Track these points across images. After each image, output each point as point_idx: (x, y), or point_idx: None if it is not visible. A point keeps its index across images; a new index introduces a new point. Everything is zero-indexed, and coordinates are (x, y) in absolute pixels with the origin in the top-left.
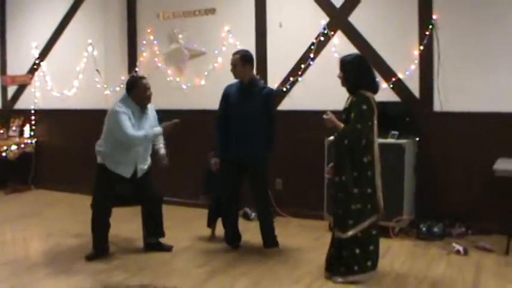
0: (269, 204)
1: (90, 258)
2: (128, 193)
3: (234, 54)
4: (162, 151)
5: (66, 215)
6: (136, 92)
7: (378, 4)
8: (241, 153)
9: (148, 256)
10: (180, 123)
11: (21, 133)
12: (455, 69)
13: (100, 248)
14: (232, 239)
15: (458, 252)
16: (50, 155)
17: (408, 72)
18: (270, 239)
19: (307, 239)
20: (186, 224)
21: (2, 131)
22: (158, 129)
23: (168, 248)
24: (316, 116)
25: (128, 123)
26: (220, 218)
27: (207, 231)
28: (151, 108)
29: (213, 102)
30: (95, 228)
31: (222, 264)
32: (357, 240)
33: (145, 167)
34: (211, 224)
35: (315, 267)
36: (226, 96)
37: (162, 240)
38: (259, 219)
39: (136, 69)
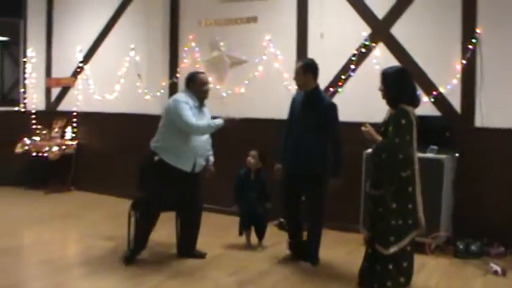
0: (318, 221)
1: (128, 260)
2: (174, 198)
3: (297, 62)
4: (212, 159)
5: (102, 218)
6: (195, 85)
7: (421, 16)
8: (293, 165)
9: (181, 262)
10: (239, 121)
11: (63, 134)
12: (498, 85)
13: (139, 250)
14: (296, 249)
15: (496, 272)
16: (89, 157)
17: (450, 86)
18: (308, 254)
19: (341, 252)
20: (220, 232)
21: (44, 132)
22: (220, 120)
23: (201, 255)
24: (355, 128)
25: (190, 113)
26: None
27: (241, 240)
28: (207, 110)
29: (252, 111)
30: (141, 229)
31: (254, 274)
32: (392, 256)
33: (204, 162)
34: (242, 232)
35: (347, 281)
36: (292, 104)
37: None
38: (307, 233)
39: (177, 75)
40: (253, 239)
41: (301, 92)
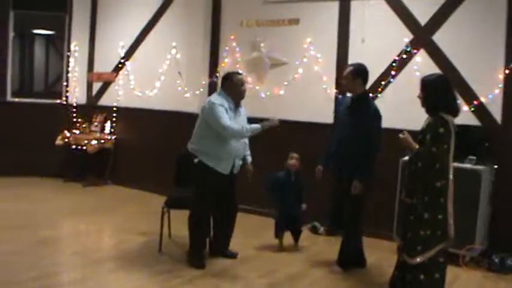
0: (351, 226)
1: (200, 264)
2: (214, 198)
3: (347, 66)
4: (250, 158)
5: (137, 213)
6: (231, 86)
7: (464, 24)
8: (336, 169)
9: (213, 261)
10: (279, 125)
11: (102, 129)
12: None
13: (202, 254)
14: (355, 259)
15: None
16: (127, 152)
17: (491, 96)
18: (338, 257)
19: (373, 259)
20: (253, 233)
21: (84, 126)
22: (257, 126)
23: (233, 255)
24: (392, 134)
25: (225, 115)
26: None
27: (274, 241)
28: (244, 111)
29: (291, 113)
30: (198, 234)
31: (285, 276)
32: (423, 266)
33: (240, 162)
34: (278, 234)
35: None
36: (336, 107)
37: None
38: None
39: (217, 74)
40: (288, 240)
41: (348, 96)
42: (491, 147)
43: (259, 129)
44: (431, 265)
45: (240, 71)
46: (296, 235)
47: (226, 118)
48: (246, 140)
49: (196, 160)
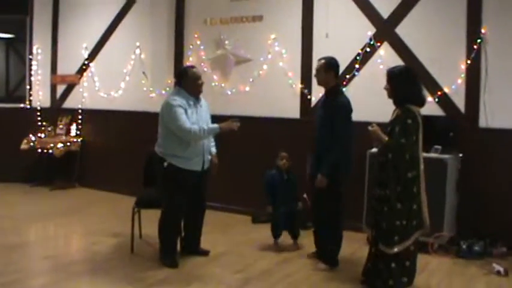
0: (324, 220)
1: (173, 264)
2: (187, 199)
3: (319, 60)
4: (214, 150)
5: (107, 214)
6: (187, 81)
7: (426, 16)
8: (311, 166)
9: (185, 259)
10: (240, 126)
11: (68, 131)
12: (503, 85)
13: (174, 254)
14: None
15: (498, 272)
16: (94, 154)
17: (454, 86)
18: (322, 255)
19: (344, 251)
20: (222, 229)
21: (49, 129)
22: (215, 126)
23: (204, 253)
24: (359, 127)
25: (183, 117)
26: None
27: (245, 237)
28: (205, 104)
29: (256, 109)
30: (170, 235)
31: (258, 271)
32: (395, 255)
33: (209, 157)
34: (280, 235)
35: (350, 280)
36: (316, 104)
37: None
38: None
39: None
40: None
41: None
42: (456, 136)
43: (218, 129)
44: (403, 253)
45: (193, 65)
46: (295, 234)
47: (184, 120)
48: None
49: (166, 164)
